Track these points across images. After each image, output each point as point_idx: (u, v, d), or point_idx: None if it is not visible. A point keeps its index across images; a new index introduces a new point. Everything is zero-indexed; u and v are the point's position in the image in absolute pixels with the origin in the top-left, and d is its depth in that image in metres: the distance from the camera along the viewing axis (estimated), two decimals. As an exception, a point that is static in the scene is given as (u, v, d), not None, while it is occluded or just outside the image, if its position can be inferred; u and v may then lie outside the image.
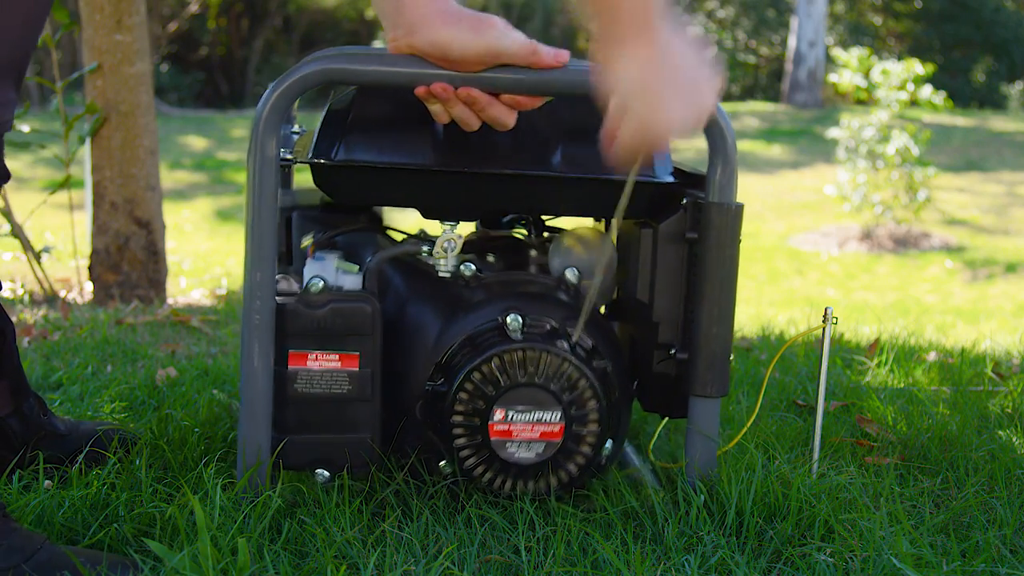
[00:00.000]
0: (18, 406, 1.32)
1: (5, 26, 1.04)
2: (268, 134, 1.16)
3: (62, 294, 3.57)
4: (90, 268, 3.41)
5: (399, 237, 1.47)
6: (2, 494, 1.21)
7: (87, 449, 1.35)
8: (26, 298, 3.39)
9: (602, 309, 1.47)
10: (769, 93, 19.69)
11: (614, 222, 1.30)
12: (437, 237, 1.33)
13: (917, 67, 8.17)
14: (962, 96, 17.99)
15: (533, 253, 1.40)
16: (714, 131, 1.23)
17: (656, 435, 1.55)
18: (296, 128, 1.61)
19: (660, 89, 1.09)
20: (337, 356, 1.22)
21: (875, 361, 2.19)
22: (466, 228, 1.42)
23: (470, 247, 1.39)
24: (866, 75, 8.54)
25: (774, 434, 1.53)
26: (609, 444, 1.27)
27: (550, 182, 1.27)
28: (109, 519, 1.17)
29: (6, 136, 1.20)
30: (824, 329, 1.35)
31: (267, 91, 1.17)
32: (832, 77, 9.45)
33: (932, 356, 2.34)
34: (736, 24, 20.86)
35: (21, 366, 1.35)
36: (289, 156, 1.27)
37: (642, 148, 1.13)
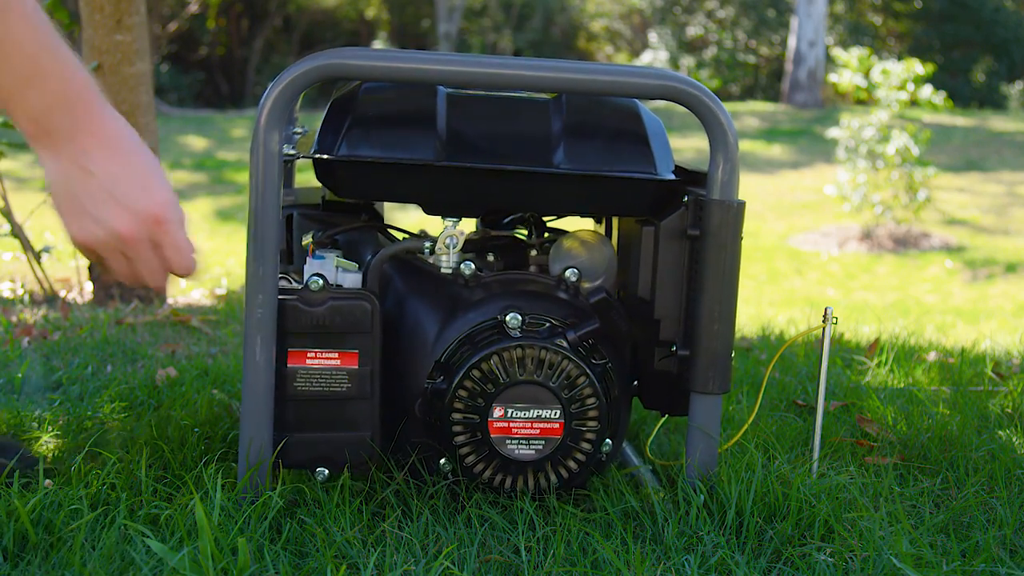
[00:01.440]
0: None
1: None
2: (271, 128, 1.16)
3: (62, 294, 3.57)
4: (90, 268, 3.41)
5: (400, 235, 1.47)
6: (2, 494, 1.21)
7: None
8: (26, 298, 3.39)
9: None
10: (769, 93, 19.69)
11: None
12: (438, 236, 1.33)
13: (917, 67, 8.18)
14: (962, 96, 17.99)
15: (533, 253, 1.40)
16: (716, 129, 1.23)
17: (654, 434, 1.55)
18: (298, 129, 1.61)
19: (65, 201, 1.03)
20: (336, 354, 1.23)
21: (875, 361, 2.19)
22: (467, 226, 1.42)
23: (470, 246, 1.39)
24: (866, 75, 8.54)
25: (774, 434, 1.53)
26: (609, 442, 1.27)
27: (551, 178, 1.27)
28: (109, 519, 1.17)
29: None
30: (824, 329, 1.35)
31: (270, 85, 1.18)
32: (832, 77, 9.45)
33: (932, 356, 2.34)
34: (736, 24, 20.86)
35: None
36: (292, 151, 1.28)
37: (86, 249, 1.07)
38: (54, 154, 1.03)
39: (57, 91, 1.01)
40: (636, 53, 22.00)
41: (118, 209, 1.03)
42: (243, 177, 10.14)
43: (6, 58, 0.98)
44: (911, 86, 8.20)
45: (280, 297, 1.20)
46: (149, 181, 1.05)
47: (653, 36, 21.27)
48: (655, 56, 20.52)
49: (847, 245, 8.31)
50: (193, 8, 18.24)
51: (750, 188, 9.98)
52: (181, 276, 1.09)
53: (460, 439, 1.23)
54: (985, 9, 19.47)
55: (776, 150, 12.17)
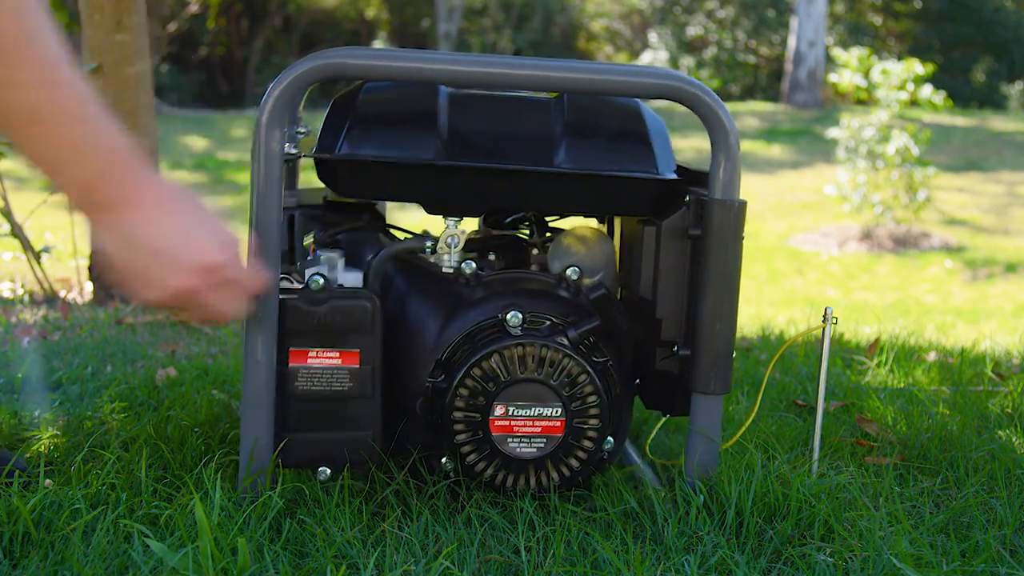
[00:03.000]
0: None
1: None
2: (272, 127, 1.16)
3: (62, 294, 3.57)
4: (90, 268, 3.40)
5: (401, 235, 1.47)
6: (2, 494, 1.21)
7: None
8: (26, 298, 3.39)
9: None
10: (769, 93, 19.69)
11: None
12: (440, 235, 1.34)
13: (917, 67, 8.18)
14: (962, 96, 17.99)
15: (534, 252, 1.40)
16: (717, 129, 1.23)
17: (654, 433, 1.55)
18: (302, 129, 1.62)
19: (127, 269, 1.07)
20: (337, 353, 1.23)
21: (875, 361, 2.19)
22: (468, 226, 1.42)
23: (472, 246, 1.39)
24: (866, 75, 8.54)
25: (774, 434, 1.53)
26: (610, 440, 1.27)
27: (552, 178, 1.27)
28: (109, 518, 1.17)
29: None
30: (824, 329, 1.35)
31: (271, 84, 1.18)
32: (832, 77, 9.45)
33: (932, 356, 2.34)
34: (736, 24, 20.85)
35: None
36: (293, 151, 1.28)
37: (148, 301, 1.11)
38: (104, 225, 1.06)
39: (101, 164, 1.04)
40: (636, 53, 22.00)
41: (169, 270, 1.07)
42: (244, 177, 10.14)
43: (52, 131, 1.00)
44: (911, 86, 8.21)
45: (281, 297, 1.20)
46: (190, 236, 1.08)
47: (653, 36, 21.27)
48: (655, 56, 20.52)
49: (847, 245, 8.31)
50: (193, 8, 18.22)
51: (750, 188, 9.97)
52: (259, 294, 1.15)
53: (461, 437, 1.23)
54: (985, 9, 19.47)
55: (776, 150, 12.17)
